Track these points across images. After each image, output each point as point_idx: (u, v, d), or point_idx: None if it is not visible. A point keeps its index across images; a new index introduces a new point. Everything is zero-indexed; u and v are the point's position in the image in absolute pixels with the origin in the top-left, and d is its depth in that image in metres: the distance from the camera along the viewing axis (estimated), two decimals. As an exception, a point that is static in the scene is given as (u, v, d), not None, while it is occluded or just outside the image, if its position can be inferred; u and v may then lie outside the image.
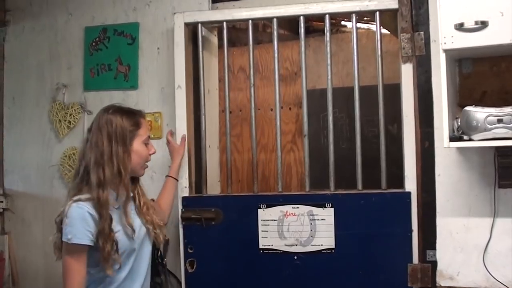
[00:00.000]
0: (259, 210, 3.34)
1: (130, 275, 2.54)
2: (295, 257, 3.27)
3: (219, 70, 4.00)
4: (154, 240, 2.73)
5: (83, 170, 2.49)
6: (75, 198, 2.41)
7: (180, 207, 3.39)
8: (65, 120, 3.91)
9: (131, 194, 2.59)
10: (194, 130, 3.60)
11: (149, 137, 2.64)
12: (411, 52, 3.17)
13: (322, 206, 3.27)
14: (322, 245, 3.24)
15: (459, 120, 2.76)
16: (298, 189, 5.21)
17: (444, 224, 3.10)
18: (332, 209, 3.25)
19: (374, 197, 3.19)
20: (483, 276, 3.00)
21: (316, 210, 3.28)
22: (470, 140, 2.68)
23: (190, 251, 3.38)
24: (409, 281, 3.11)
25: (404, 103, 3.19)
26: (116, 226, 2.46)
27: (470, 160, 3.05)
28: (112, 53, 3.79)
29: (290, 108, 5.35)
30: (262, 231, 3.32)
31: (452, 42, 2.67)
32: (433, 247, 3.11)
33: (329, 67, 3.24)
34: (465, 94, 3.06)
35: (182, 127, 3.45)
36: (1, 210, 4.12)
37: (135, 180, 2.68)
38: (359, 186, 3.25)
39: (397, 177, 3.26)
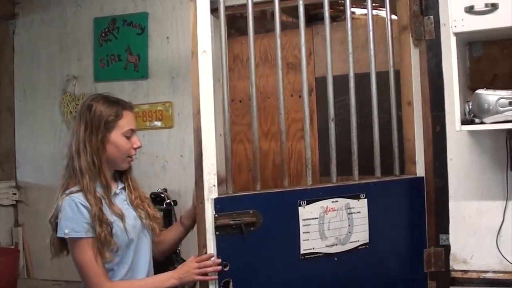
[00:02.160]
0: (299, 208, 2.81)
1: (131, 269, 2.49)
2: (336, 258, 2.86)
3: (228, 59, 4.00)
4: (151, 232, 2.65)
5: (69, 160, 2.44)
6: (67, 191, 2.36)
7: (211, 211, 2.57)
8: (76, 112, 3.91)
9: (122, 186, 2.55)
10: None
11: (132, 130, 2.49)
12: (422, 36, 3.15)
13: (357, 197, 2.94)
14: (358, 240, 2.91)
15: (470, 104, 2.75)
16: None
17: (456, 208, 3.08)
18: (366, 200, 2.95)
19: (394, 184, 3.09)
20: (496, 259, 2.99)
21: (352, 202, 2.93)
22: (482, 123, 2.67)
23: (226, 269, 2.57)
24: (425, 266, 3.11)
25: (414, 87, 3.18)
26: (109, 217, 2.40)
27: (481, 144, 3.04)
28: (121, 44, 3.81)
29: (299, 96, 5.33)
30: (303, 232, 2.79)
31: (463, 25, 2.66)
32: (446, 231, 3.09)
33: (350, 56, 3.14)
34: (476, 77, 3.04)
35: (207, 99, 2.69)
36: (15, 202, 4.16)
37: (125, 172, 2.59)
38: (378, 173, 3.07)
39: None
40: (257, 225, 2.66)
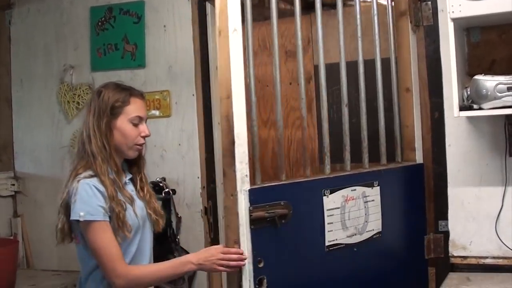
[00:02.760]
0: (323, 197, 2.69)
1: (135, 257, 2.44)
2: (355, 249, 2.78)
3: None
4: (153, 227, 2.60)
5: (80, 145, 2.43)
6: (80, 176, 2.34)
7: (245, 204, 2.36)
8: (73, 101, 3.92)
9: (130, 177, 2.52)
10: (203, 107, 3.61)
11: (140, 117, 2.44)
12: (419, 22, 3.15)
13: (371, 185, 2.87)
14: (373, 230, 2.86)
15: (468, 89, 2.74)
16: (308, 164, 5.20)
17: (455, 194, 3.09)
18: (378, 187, 2.90)
19: (399, 171, 3.07)
20: (495, 245, 3.00)
21: (367, 190, 2.86)
22: (480, 109, 2.67)
23: (260, 265, 2.40)
24: (426, 253, 3.13)
25: (413, 74, 3.17)
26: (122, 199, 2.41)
27: (480, 130, 3.04)
28: (118, 33, 3.79)
29: (298, 84, 5.32)
30: (328, 223, 2.68)
31: (460, 11, 2.65)
32: (445, 217, 3.11)
33: (359, 43, 3.11)
34: (474, 63, 3.04)
35: (239, 81, 2.39)
36: (13, 193, 4.15)
37: (137, 165, 2.57)
38: (384, 160, 3.03)
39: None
40: (288, 217, 2.50)
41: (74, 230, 2.38)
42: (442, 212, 3.12)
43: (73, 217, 2.28)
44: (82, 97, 3.89)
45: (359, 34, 3.02)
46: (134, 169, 2.56)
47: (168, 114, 3.68)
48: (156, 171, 3.69)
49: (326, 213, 2.66)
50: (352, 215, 2.77)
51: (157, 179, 3.63)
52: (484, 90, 2.62)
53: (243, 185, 2.37)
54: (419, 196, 3.11)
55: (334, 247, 2.68)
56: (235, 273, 2.37)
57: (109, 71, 3.83)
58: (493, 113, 2.65)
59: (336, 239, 2.69)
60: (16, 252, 3.49)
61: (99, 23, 3.83)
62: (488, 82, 2.62)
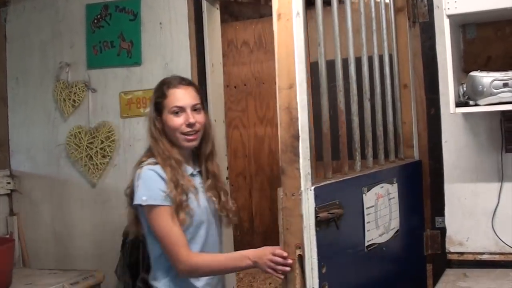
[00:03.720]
0: (363, 195, 2.56)
1: (201, 251, 2.45)
2: (384, 248, 2.69)
3: (222, 44, 3.98)
4: (222, 222, 2.63)
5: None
6: (144, 163, 2.41)
7: (310, 204, 2.14)
8: (69, 99, 3.91)
9: (198, 169, 2.56)
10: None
11: (179, 107, 2.44)
12: (415, 19, 3.15)
13: (392, 182, 2.79)
14: (394, 227, 2.78)
15: (464, 86, 2.75)
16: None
17: (452, 190, 3.10)
18: (397, 184, 2.83)
19: (407, 168, 3.04)
20: (492, 240, 3.00)
21: (390, 187, 2.78)
22: (476, 105, 2.67)
23: (323, 271, 2.18)
24: (425, 249, 3.14)
25: (405, 71, 3.18)
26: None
27: (476, 126, 3.04)
28: (114, 30, 3.78)
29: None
30: (367, 222, 2.55)
31: (456, 7, 2.66)
32: (441, 213, 3.11)
33: (364, 34, 3.07)
34: (470, 59, 3.04)
35: (302, 69, 2.16)
36: (9, 191, 4.13)
37: (203, 157, 2.58)
38: (393, 157, 2.99)
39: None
40: (341, 218, 2.32)
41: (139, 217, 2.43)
42: (438, 208, 3.12)
43: (136, 201, 2.35)
44: (78, 94, 3.88)
45: (363, 28, 2.86)
46: (200, 161, 2.58)
47: (163, 111, 3.67)
48: (152, 168, 3.69)
49: (365, 212, 2.54)
50: (381, 213, 2.68)
51: (154, 176, 3.62)
52: (480, 86, 2.62)
53: (307, 184, 2.15)
54: (419, 192, 3.12)
55: (371, 247, 2.57)
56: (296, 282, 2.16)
57: (105, 68, 3.83)
58: (489, 109, 2.65)
59: (372, 239, 2.59)
60: (12, 250, 3.48)
61: (95, 21, 3.82)
62: (484, 78, 2.62)
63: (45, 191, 4.05)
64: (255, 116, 5.67)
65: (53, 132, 4.01)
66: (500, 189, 2.99)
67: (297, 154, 2.12)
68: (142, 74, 3.73)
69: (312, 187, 2.14)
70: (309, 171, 2.16)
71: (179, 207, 2.33)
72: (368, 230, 2.54)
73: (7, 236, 4.00)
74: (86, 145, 3.85)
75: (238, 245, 4.05)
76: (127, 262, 3.63)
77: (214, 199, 2.53)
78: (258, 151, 5.70)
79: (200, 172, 2.54)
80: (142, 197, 2.32)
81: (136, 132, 3.77)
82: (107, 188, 3.86)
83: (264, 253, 2.20)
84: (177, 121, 2.43)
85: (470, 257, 3.05)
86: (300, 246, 2.12)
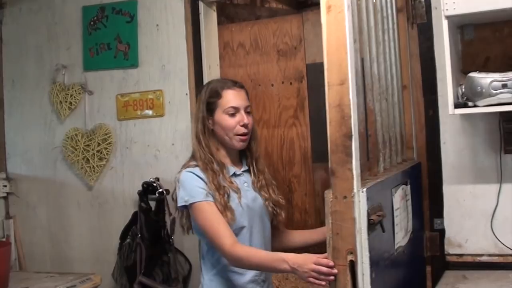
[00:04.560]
0: (393, 197, 2.48)
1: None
2: (405, 251, 2.62)
3: (218, 46, 3.97)
4: (272, 218, 2.64)
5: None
6: (184, 167, 2.50)
7: (363, 207, 2.04)
8: (66, 101, 3.89)
9: (246, 168, 2.61)
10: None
11: (235, 108, 2.49)
12: (413, 20, 3.14)
13: (407, 183, 2.74)
14: (409, 230, 2.73)
15: (463, 87, 2.74)
16: (301, 163, 5.19)
17: (450, 192, 3.09)
18: (409, 186, 2.77)
19: (412, 170, 2.96)
20: (491, 242, 3.00)
21: (407, 189, 2.72)
22: (475, 106, 2.66)
23: (373, 276, 2.09)
24: (425, 250, 3.13)
25: (405, 72, 3.16)
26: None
27: (475, 127, 3.04)
28: (111, 32, 3.76)
29: (291, 83, 5.32)
30: (396, 225, 2.48)
31: (454, 8, 2.65)
32: (440, 215, 3.11)
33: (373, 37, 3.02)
34: (468, 60, 3.04)
35: (353, 64, 2.09)
36: (5, 195, 4.11)
37: (249, 154, 2.64)
38: (399, 159, 2.91)
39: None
40: (384, 220, 2.23)
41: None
42: (437, 210, 3.11)
43: (179, 203, 2.44)
44: (74, 97, 3.86)
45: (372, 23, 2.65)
46: (248, 160, 2.64)
47: (161, 113, 3.66)
48: (149, 171, 3.69)
49: (394, 213, 2.46)
50: (403, 215, 2.61)
51: (151, 179, 3.62)
52: (479, 87, 2.62)
53: (358, 186, 2.05)
54: (419, 194, 3.10)
55: (398, 250, 2.50)
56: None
57: (101, 70, 3.81)
58: (488, 110, 2.65)
59: (399, 241, 2.51)
60: (9, 254, 3.46)
61: (92, 23, 3.81)
62: (483, 79, 2.62)
63: (41, 194, 4.04)
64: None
65: (49, 135, 4.00)
66: (499, 191, 2.98)
67: (349, 155, 2.03)
68: (139, 76, 3.72)
69: (364, 189, 2.06)
70: (358, 172, 2.06)
71: (224, 208, 2.39)
72: (396, 233, 2.47)
73: (4, 239, 3.98)
74: (83, 148, 3.84)
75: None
76: (125, 265, 3.62)
77: (266, 195, 2.59)
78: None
79: (246, 171, 2.60)
80: (184, 198, 2.40)
81: (133, 135, 3.76)
82: (104, 191, 3.84)
83: (305, 262, 2.16)
84: (232, 121, 2.49)
85: (469, 259, 3.05)
86: (352, 251, 2.03)
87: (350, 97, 2.03)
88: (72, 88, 3.88)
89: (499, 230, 2.98)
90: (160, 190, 3.57)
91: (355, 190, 2.02)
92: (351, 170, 2.02)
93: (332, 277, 2.07)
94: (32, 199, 4.08)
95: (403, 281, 2.66)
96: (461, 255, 3.06)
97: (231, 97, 2.51)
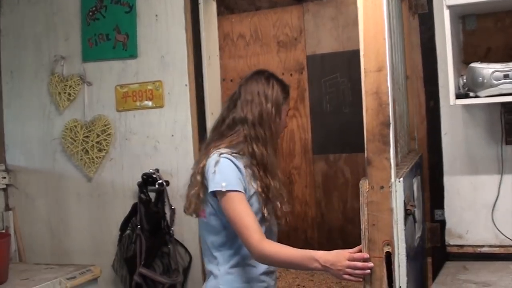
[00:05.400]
0: (414, 187, 2.49)
1: None
2: (421, 242, 2.65)
3: (218, 37, 3.95)
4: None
5: (232, 122, 2.47)
6: (222, 151, 2.39)
7: (400, 197, 2.05)
8: (64, 92, 3.87)
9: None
10: (196, 97, 3.60)
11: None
12: (415, 9, 3.12)
13: (419, 174, 2.72)
14: (420, 220, 2.65)
15: (464, 77, 2.73)
16: (301, 155, 5.19)
17: (451, 183, 3.08)
18: (420, 177, 2.74)
19: (419, 161, 2.94)
20: (492, 233, 2.99)
21: (419, 180, 2.68)
22: (477, 97, 2.65)
23: (408, 268, 2.10)
24: (426, 241, 3.10)
25: (408, 62, 3.15)
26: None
27: (476, 118, 3.02)
28: (109, 22, 3.74)
29: (291, 74, 5.31)
30: (416, 216, 2.47)
31: (456, -2, 2.64)
32: (441, 206, 3.09)
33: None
34: (470, 51, 3.02)
35: (390, 51, 2.10)
36: (4, 186, 4.10)
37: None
38: (405, 151, 2.90)
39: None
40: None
41: (204, 203, 2.42)
42: (438, 201, 3.10)
43: (214, 187, 2.33)
44: (73, 88, 3.85)
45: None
46: None
47: (161, 104, 3.65)
48: (149, 162, 3.68)
49: (416, 203, 2.40)
50: (418, 205, 2.56)
51: (150, 170, 3.62)
52: (480, 78, 2.61)
53: (395, 175, 2.00)
54: (421, 184, 3.09)
55: (417, 241, 2.47)
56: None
57: (100, 61, 3.80)
58: (490, 101, 2.63)
59: (417, 232, 2.47)
60: (8, 245, 3.45)
61: (90, 13, 3.79)
62: (485, 69, 2.61)
63: (41, 186, 4.03)
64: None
65: (48, 126, 3.99)
66: (500, 182, 2.97)
67: (386, 143, 1.99)
68: (138, 67, 3.70)
69: (401, 179, 2.01)
70: (395, 161, 2.00)
71: (262, 200, 2.38)
72: (416, 223, 2.44)
73: (3, 231, 3.97)
74: (82, 139, 3.82)
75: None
76: (124, 256, 3.63)
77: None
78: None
79: None
80: (221, 183, 2.31)
81: (132, 126, 3.75)
82: (103, 182, 3.83)
83: (338, 259, 2.12)
84: (285, 122, 2.54)
85: (470, 250, 3.03)
86: (389, 243, 2.00)
87: (388, 84, 2.00)
88: (71, 79, 3.86)
89: (499, 221, 2.97)
90: (160, 181, 3.57)
91: (392, 180, 1.99)
92: (388, 159, 1.99)
93: (368, 271, 2.05)
94: (31, 191, 4.08)
95: (417, 273, 2.65)
96: (461, 246, 3.05)
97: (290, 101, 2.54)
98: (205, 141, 2.59)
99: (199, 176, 2.41)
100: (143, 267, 3.48)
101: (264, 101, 2.44)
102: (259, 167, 2.41)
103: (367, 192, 2.02)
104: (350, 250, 2.14)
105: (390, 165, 1.99)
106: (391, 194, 1.98)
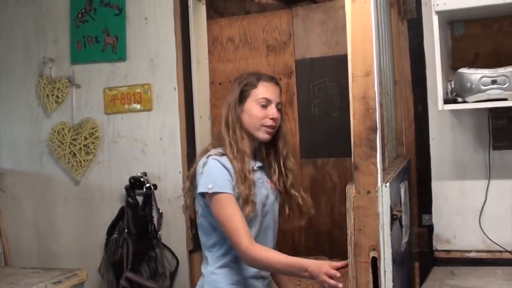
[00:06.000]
0: (401, 191, 2.49)
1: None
2: (407, 247, 2.66)
3: (207, 41, 3.95)
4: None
5: (217, 127, 2.54)
6: (210, 153, 2.42)
7: (386, 202, 2.05)
8: (52, 95, 3.85)
9: (260, 164, 2.55)
10: (185, 100, 3.60)
11: (268, 100, 2.45)
12: (403, 15, 3.14)
13: (406, 179, 2.71)
14: (406, 225, 2.64)
15: (452, 83, 2.74)
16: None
17: (439, 188, 3.09)
18: (407, 182, 2.73)
19: (407, 166, 2.94)
20: (479, 238, 3.00)
21: (405, 185, 2.67)
22: (465, 102, 2.67)
23: (394, 273, 2.11)
24: (414, 246, 3.11)
25: (396, 67, 3.16)
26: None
27: (464, 123, 3.03)
28: (99, 25, 3.73)
29: (280, 78, 5.30)
30: (403, 220, 2.48)
31: (445, 4, 2.66)
32: (428, 211, 3.10)
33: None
34: (458, 56, 3.04)
35: (378, 55, 2.13)
36: (-9, 189, 4.07)
37: (284, 156, 2.59)
38: (394, 155, 2.91)
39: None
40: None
41: (196, 204, 2.46)
42: (425, 206, 3.11)
43: (201, 189, 2.35)
44: (61, 90, 3.82)
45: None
46: (270, 157, 2.59)
47: (149, 108, 3.63)
48: (137, 165, 3.66)
49: (402, 208, 2.39)
50: (405, 210, 2.56)
51: (138, 174, 3.61)
52: (468, 83, 2.62)
53: (382, 180, 2.00)
54: (410, 190, 3.09)
55: (404, 246, 2.47)
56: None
57: (89, 64, 3.78)
58: (478, 106, 2.66)
59: (404, 237, 2.47)
60: (-6, 248, 3.43)
61: (79, 15, 3.77)
62: (473, 75, 2.63)
63: (27, 188, 4.00)
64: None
65: (36, 129, 3.96)
66: (488, 187, 2.98)
67: (373, 148, 2.00)
68: (127, 70, 3.69)
69: (388, 183, 2.01)
70: (382, 166, 2.00)
71: (245, 200, 2.34)
72: (403, 228, 2.44)
73: (-11, 234, 3.94)
74: (70, 142, 3.80)
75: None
76: (111, 260, 3.61)
77: (296, 194, 2.56)
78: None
79: (260, 168, 2.56)
80: (208, 185, 2.32)
81: (120, 129, 3.73)
82: (91, 186, 3.81)
83: (321, 268, 2.11)
84: (262, 112, 2.44)
85: (458, 255, 3.05)
86: (375, 248, 2.00)
87: (376, 89, 2.01)
88: (59, 82, 3.84)
89: (487, 226, 2.98)
90: (148, 185, 3.56)
91: (379, 185, 1.99)
92: (375, 164, 2.00)
93: (340, 284, 2.05)
94: (18, 194, 4.04)
95: (404, 278, 2.64)
96: (449, 251, 3.06)
97: (266, 90, 2.48)
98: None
99: (190, 178, 2.45)
100: (130, 271, 3.46)
101: (226, 104, 2.50)
102: (236, 152, 2.42)
103: (354, 197, 2.02)
104: (334, 264, 2.12)
105: (377, 170, 1.99)
106: (378, 199, 1.99)
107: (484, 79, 2.59)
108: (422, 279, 2.95)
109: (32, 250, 4.00)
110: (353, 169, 2.04)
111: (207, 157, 2.39)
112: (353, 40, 2.05)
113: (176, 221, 3.59)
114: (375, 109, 2.01)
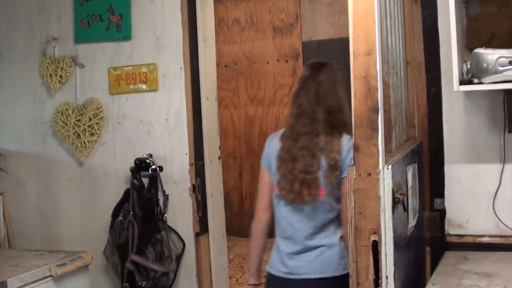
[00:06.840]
0: (407, 175, 2.44)
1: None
2: (415, 231, 2.65)
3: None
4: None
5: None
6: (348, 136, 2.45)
7: (388, 185, 2.02)
8: (56, 75, 3.79)
9: None
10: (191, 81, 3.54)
11: None
12: (416, -7, 3.07)
13: (415, 162, 2.68)
14: (416, 209, 2.67)
15: (468, 63, 2.67)
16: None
17: (452, 171, 3.02)
18: (417, 164, 2.73)
19: (418, 148, 2.95)
20: (493, 223, 2.94)
21: (415, 167, 2.68)
22: (481, 83, 2.59)
23: (396, 257, 2.10)
24: (425, 230, 3.06)
25: (408, 48, 3.09)
26: None
27: (478, 105, 2.96)
28: (103, 3, 3.66)
29: (286, 61, 5.26)
30: (409, 203, 2.46)
31: (460, -19, 2.58)
32: (441, 195, 3.04)
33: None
34: (473, 36, 2.96)
35: (380, 34, 2.06)
36: (-6, 170, 4.03)
37: None
38: (404, 137, 2.87)
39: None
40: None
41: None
42: (438, 190, 3.05)
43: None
44: (65, 70, 3.77)
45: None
46: None
47: (155, 88, 3.57)
48: (142, 147, 3.62)
49: (409, 192, 2.35)
50: (414, 192, 2.54)
51: (144, 155, 3.57)
52: (485, 64, 2.54)
53: (383, 162, 1.96)
54: (421, 173, 3.04)
55: (410, 230, 2.44)
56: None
57: (93, 43, 3.72)
58: (495, 87, 2.58)
59: (411, 221, 2.43)
60: (-3, 230, 3.39)
61: (83, -7, 3.71)
62: (489, 55, 2.54)
63: (31, 170, 3.96)
64: (245, 96, 5.61)
65: (39, 109, 3.91)
66: (502, 171, 2.92)
67: (375, 129, 1.96)
68: (132, 49, 3.63)
69: (389, 166, 1.96)
70: (383, 148, 1.96)
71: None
72: (410, 211, 2.40)
73: (-8, 216, 3.91)
74: (74, 123, 3.75)
75: (228, 226, 4.00)
76: (116, 243, 3.57)
77: None
78: (248, 132, 5.65)
79: None
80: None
81: (125, 109, 3.68)
82: (95, 167, 3.76)
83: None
84: None
85: (470, 240, 2.98)
86: (376, 231, 1.96)
87: (378, 68, 1.95)
88: (63, 61, 3.79)
89: (501, 211, 2.92)
90: (153, 166, 3.52)
91: (380, 167, 1.94)
92: (376, 145, 1.96)
93: None
94: (22, 175, 4.00)
95: (410, 262, 2.60)
96: (461, 235, 3.00)
97: None
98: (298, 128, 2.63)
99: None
100: (135, 254, 3.43)
101: (339, 87, 2.66)
102: None
103: (354, 179, 1.99)
104: None
105: (378, 151, 1.95)
106: (379, 182, 1.95)
107: (501, 59, 2.51)
108: (434, 264, 2.90)
109: (35, 232, 3.97)
110: (354, 150, 2.00)
111: (349, 137, 2.38)
112: (354, 17, 2.00)
113: (182, 203, 3.54)
114: (377, 89, 1.96)
